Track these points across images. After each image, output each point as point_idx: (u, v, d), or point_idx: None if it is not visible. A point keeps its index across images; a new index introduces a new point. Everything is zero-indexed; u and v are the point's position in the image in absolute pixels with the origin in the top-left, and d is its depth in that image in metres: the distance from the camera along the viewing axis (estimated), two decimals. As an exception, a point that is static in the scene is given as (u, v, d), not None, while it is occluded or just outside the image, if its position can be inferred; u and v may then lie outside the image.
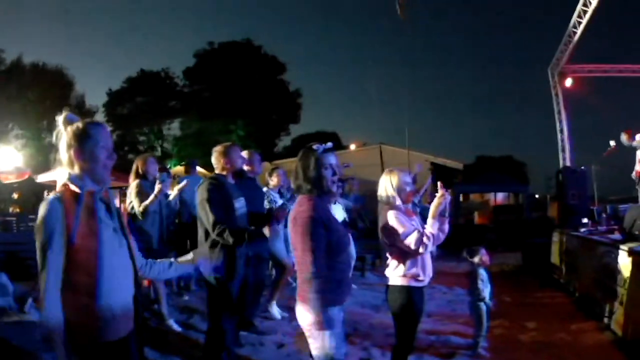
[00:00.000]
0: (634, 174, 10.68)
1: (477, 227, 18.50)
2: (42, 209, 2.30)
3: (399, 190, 4.11)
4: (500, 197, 23.90)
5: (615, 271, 6.55)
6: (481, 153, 45.07)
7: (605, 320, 6.57)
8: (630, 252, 6.20)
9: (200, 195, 4.53)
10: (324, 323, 2.96)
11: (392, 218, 3.98)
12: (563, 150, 13.52)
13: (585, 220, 10.46)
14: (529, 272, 11.19)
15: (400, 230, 3.91)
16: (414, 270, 4.00)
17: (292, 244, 3.15)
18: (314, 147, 3.15)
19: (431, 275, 4.17)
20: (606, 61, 14.39)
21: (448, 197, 3.96)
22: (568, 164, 13.12)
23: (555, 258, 10.34)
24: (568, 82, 13.41)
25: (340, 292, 3.11)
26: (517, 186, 19.39)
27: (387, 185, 4.16)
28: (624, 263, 6.32)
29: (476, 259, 5.72)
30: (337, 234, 3.09)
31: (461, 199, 22.15)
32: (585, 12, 10.31)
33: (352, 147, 28.12)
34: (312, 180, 3.10)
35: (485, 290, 5.62)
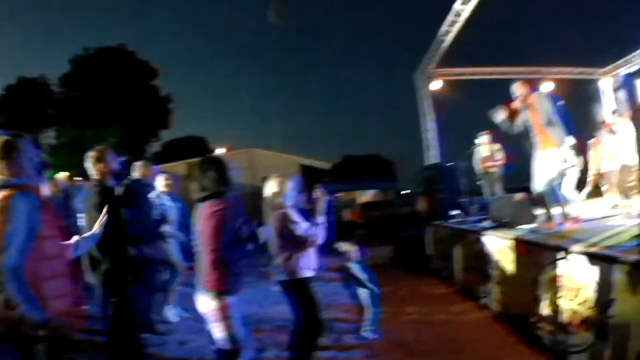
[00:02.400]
0: (479, 168, 11.57)
1: (347, 224, 18.94)
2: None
3: (288, 194, 4.59)
4: (369, 194, 24.99)
5: (489, 256, 7.22)
6: (349, 152, 46.22)
7: (483, 300, 7.24)
8: (502, 238, 6.89)
9: (90, 200, 4.55)
10: (227, 308, 3.37)
11: (288, 217, 4.44)
12: (429, 149, 14.28)
13: (455, 212, 11.27)
14: (401, 263, 11.75)
15: (300, 226, 4.43)
16: (307, 262, 4.45)
17: (203, 239, 3.51)
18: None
19: (317, 267, 4.62)
20: (476, 64, 15.59)
21: (328, 198, 4.64)
22: (435, 161, 13.87)
23: (430, 249, 10.97)
24: (435, 84, 14.17)
25: (238, 282, 3.49)
26: (385, 183, 20.31)
27: (276, 189, 4.59)
28: (497, 248, 6.99)
29: (348, 253, 6.21)
30: (236, 232, 3.50)
31: (330, 197, 22.65)
32: (455, 22, 10.96)
33: (221, 151, 27.83)
34: (225, 183, 3.57)
35: (362, 279, 6.09)
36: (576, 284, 4.79)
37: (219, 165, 3.65)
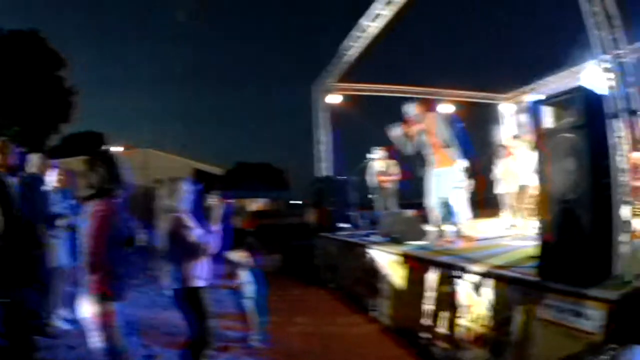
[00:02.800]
0: (373, 182, 11.78)
1: (237, 231, 18.48)
2: None
3: (183, 198, 4.35)
4: (260, 202, 24.84)
5: (378, 270, 7.40)
6: (242, 159, 45.72)
7: (372, 313, 7.36)
8: (390, 253, 7.12)
9: None
10: (110, 315, 3.23)
11: (182, 222, 4.21)
12: (321, 160, 14.32)
13: (344, 224, 11.41)
14: (290, 273, 11.70)
15: (194, 232, 4.19)
16: (200, 271, 4.26)
17: (86, 239, 3.28)
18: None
19: (210, 276, 4.46)
20: (377, 81, 15.76)
21: (224, 204, 4.53)
22: (327, 173, 13.94)
23: (319, 260, 11.05)
24: (333, 97, 14.25)
25: (123, 287, 3.38)
26: (276, 192, 20.28)
27: (171, 192, 4.35)
28: (387, 262, 7.20)
29: (237, 261, 6.21)
30: (122, 234, 3.41)
31: (221, 204, 22.34)
32: (359, 37, 11.03)
33: (118, 149, 26.61)
34: (114, 181, 3.43)
35: (250, 288, 6.07)
36: (470, 301, 5.00)
37: (108, 162, 3.49)
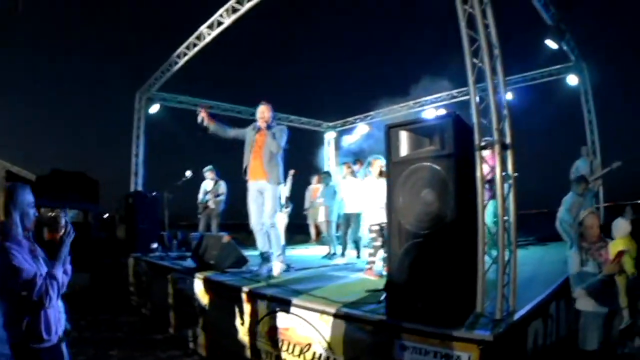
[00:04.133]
0: (201, 201, 11.25)
1: (47, 242, 16.71)
2: None
3: (22, 215, 2.92)
4: (70, 213, 22.61)
5: (194, 298, 6.68)
6: (56, 166, 41.64)
7: (191, 344, 6.67)
8: (206, 280, 6.46)
9: None
10: None
11: (8, 257, 2.70)
12: (136, 174, 13.38)
13: (155, 245, 10.61)
14: (100, 293, 10.67)
15: (19, 273, 2.68)
16: (35, 328, 2.81)
17: None
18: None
19: (62, 329, 3.06)
20: (201, 95, 15.17)
21: (72, 234, 3.15)
22: (140, 188, 13.06)
23: (131, 282, 10.09)
24: (153, 108, 13.43)
25: None
26: (87, 204, 18.71)
27: (5, 206, 2.87)
28: (200, 290, 6.53)
29: None
30: None
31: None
32: (195, 45, 10.46)
33: None
34: None
35: None
36: (300, 337, 4.59)
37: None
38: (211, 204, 11.05)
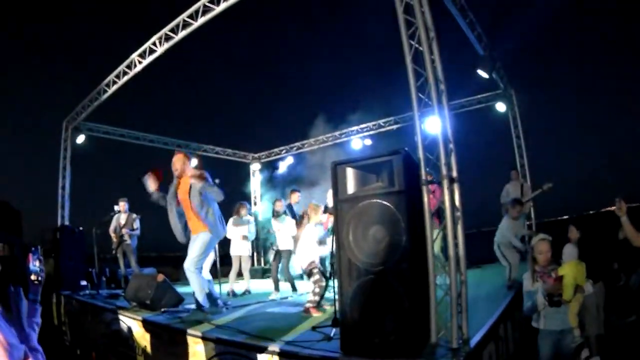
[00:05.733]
0: (115, 236, 10.77)
1: None
2: None
3: None
4: None
5: (131, 340, 6.31)
6: None
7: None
8: (144, 322, 6.11)
9: None
10: None
11: None
12: (63, 207, 12.75)
13: (84, 282, 10.08)
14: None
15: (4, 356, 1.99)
16: None
17: None
18: None
19: None
20: (129, 125, 14.77)
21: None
22: (67, 221, 12.46)
23: (62, 320, 9.41)
24: (80, 138, 12.86)
25: None
26: (10, 236, 17.70)
27: None
28: (138, 332, 6.19)
29: None
30: None
31: None
32: (126, 73, 10.14)
33: None
34: None
35: None
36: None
37: None
38: (127, 239, 10.66)
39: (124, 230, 10.64)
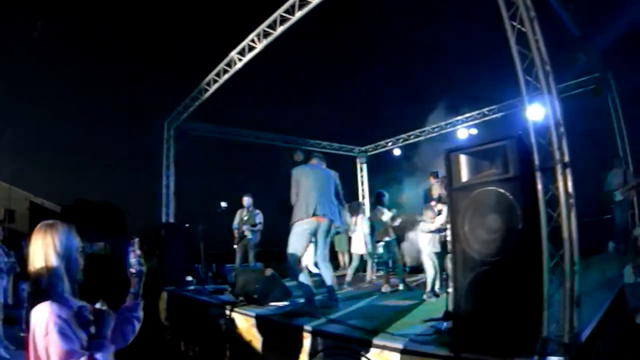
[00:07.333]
0: (238, 231, 11.08)
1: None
2: None
3: (67, 264, 2.32)
4: (99, 245, 22.65)
5: (236, 335, 6.48)
6: (80, 196, 41.61)
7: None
8: (251, 316, 6.28)
9: None
10: None
11: (52, 329, 2.07)
12: (167, 206, 13.36)
13: (189, 278, 10.51)
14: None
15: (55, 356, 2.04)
16: None
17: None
18: None
19: None
20: (233, 123, 15.35)
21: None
22: (171, 219, 13.04)
23: (164, 317, 9.76)
24: (183, 138, 13.45)
25: None
26: (111, 236, 18.76)
27: (46, 252, 2.28)
28: (244, 326, 6.37)
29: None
30: None
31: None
32: (226, 71, 10.43)
33: None
34: None
35: None
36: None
37: None
38: (248, 234, 10.86)
39: (244, 227, 10.87)
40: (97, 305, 2.31)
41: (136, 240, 2.69)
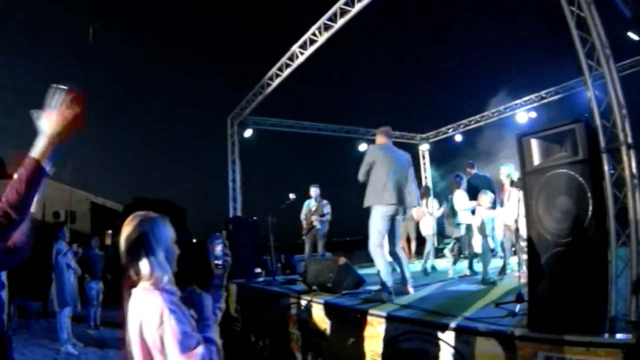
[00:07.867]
0: (307, 222, 11.01)
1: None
2: None
3: (166, 254, 2.28)
4: None
5: (308, 323, 6.54)
6: (139, 194, 42.91)
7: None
8: (326, 305, 6.30)
9: None
10: None
11: (167, 317, 2.03)
12: (234, 200, 13.45)
13: (258, 270, 10.52)
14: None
15: (174, 343, 1.99)
16: None
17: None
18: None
19: None
20: (294, 116, 15.58)
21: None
22: (239, 213, 13.12)
23: (233, 309, 9.89)
24: (247, 132, 13.52)
25: None
26: (177, 232, 19.20)
27: (146, 242, 2.23)
28: (318, 315, 6.39)
29: None
30: None
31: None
32: (288, 65, 10.44)
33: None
34: None
35: None
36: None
37: None
38: (317, 224, 10.81)
39: (312, 217, 10.86)
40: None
41: (223, 232, 2.74)
